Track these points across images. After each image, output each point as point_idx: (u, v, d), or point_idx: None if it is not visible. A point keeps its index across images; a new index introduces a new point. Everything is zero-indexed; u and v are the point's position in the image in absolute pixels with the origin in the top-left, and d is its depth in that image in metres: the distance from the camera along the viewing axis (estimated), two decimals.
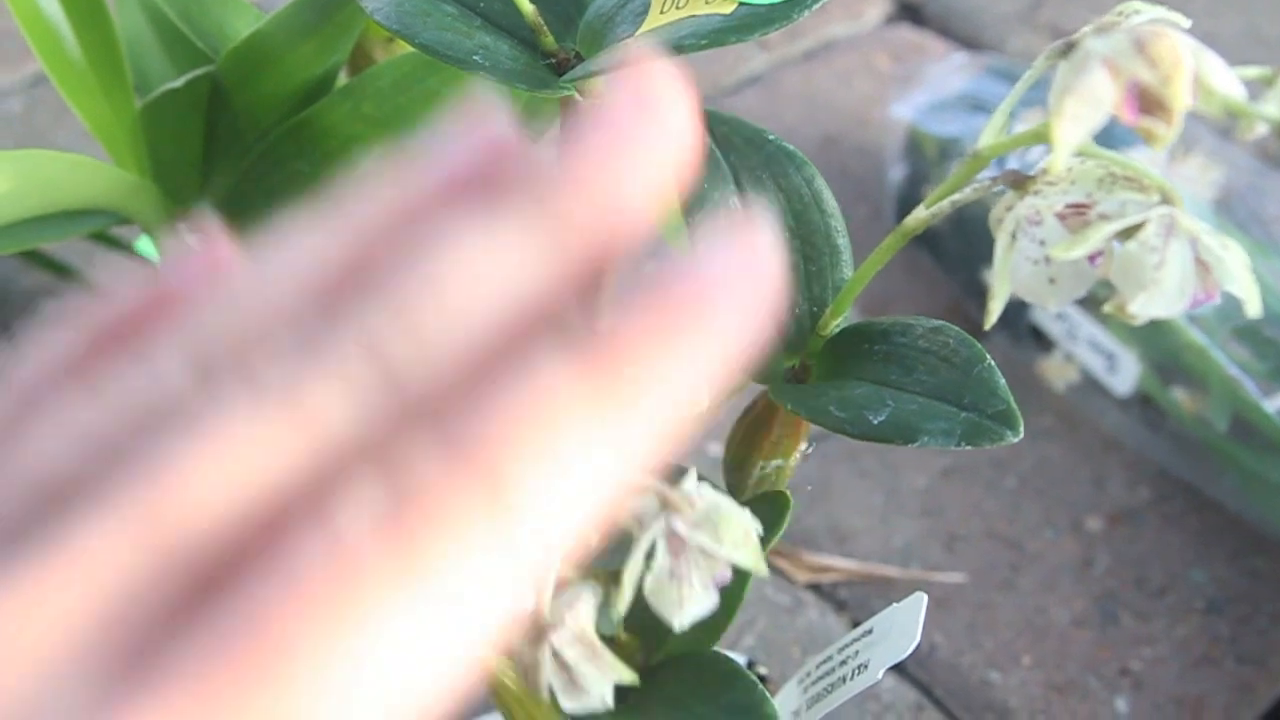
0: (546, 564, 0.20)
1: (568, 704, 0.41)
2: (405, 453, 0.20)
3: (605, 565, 0.45)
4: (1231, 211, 0.90)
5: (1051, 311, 0.92)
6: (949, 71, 1.05)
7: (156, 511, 0.19)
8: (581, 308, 0.22)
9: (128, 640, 0.19)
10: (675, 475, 0.47)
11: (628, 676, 0.41)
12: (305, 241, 0.22)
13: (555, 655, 0.40)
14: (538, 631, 0.40)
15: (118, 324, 0.22)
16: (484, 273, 0.21)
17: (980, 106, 1.01)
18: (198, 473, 0.20)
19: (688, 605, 0.39)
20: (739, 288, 0.22)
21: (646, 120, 0.23)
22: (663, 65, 0.23)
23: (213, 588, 0.19)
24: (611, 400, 0.21)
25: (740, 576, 0.49)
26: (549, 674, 0.40)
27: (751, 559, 0.39)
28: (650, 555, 0.39)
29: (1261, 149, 1.08)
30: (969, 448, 0.43)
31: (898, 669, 0.79)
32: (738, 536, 0.39)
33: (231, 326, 0.21)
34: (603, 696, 0.41)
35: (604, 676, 0.40)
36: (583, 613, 0.41)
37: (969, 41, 1.25)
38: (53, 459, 0.20)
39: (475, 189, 0.22)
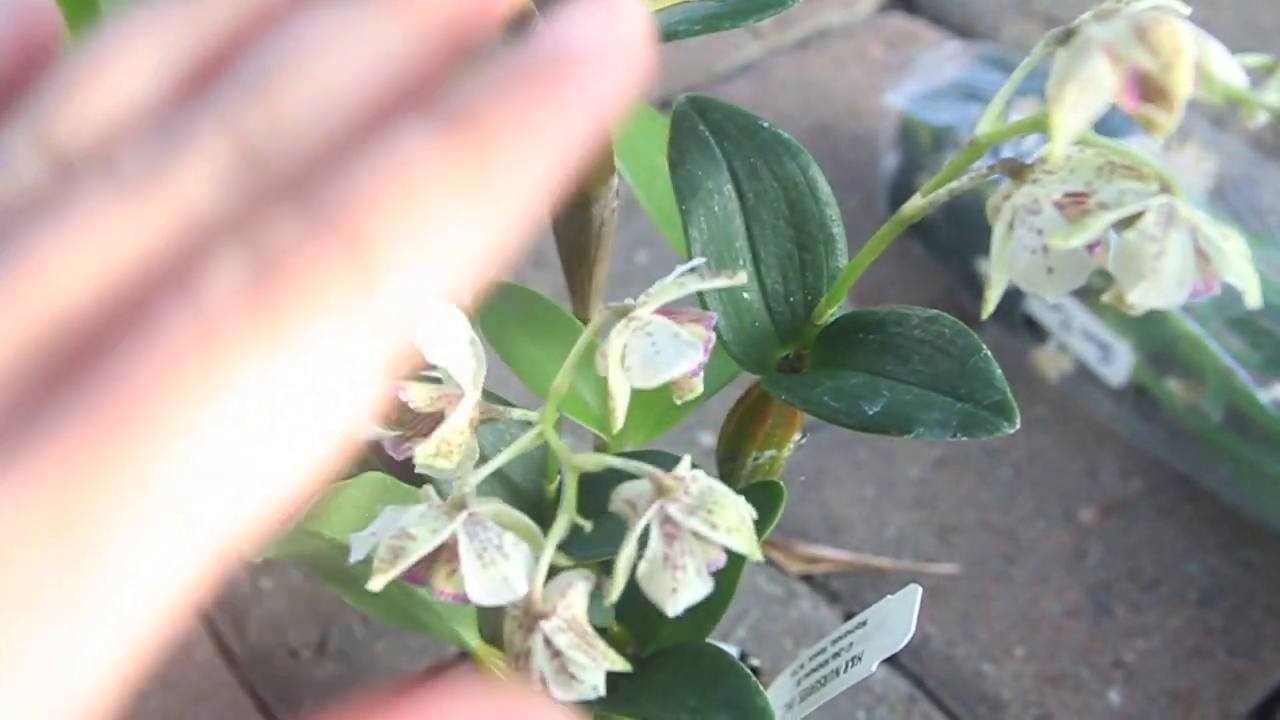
0: (406, 334, 0.20)
1: (559, 693, 0.40)
2: (269, 224, 0.19)
3: (598, 555, 0.44)
4: (1226, 202, 0.89)
5: (1046, 301, 0.92)
6: (942, 60, 1.05)
7: (15, 296, 0.19)
8: (444, 85, 0.21)
9: None
10: (670, 461, 0.47)
11: (620, 665, 0.40)
12: (155, 28, 0.22)
13: (547, 643, 0.40)
14: (530, 619, 0.40)
15: None
16: (343, 52, 0.21)
17: (974, 95, 1.00)
18: (57, 257, 0.19)
19: (682, 591, 0.39)
20: (598, 55, 0.21)
21: None
22: None
23: (77, 365, 0.19)
24: (474, 170, 0.20)
25: (733, 565, 0.49)
26: (540, 662, 0.40)
27: (747, 544, 0.39)
28: (643, 541, 0.39)
29: (1256, 139, 1.08)
30: (965, 439, 0.42)
31: (890, 660, 0.79)
32: (733, 521, 0.39)
33: (85, 117, 0.21)
34: (595, 686, 0.40)
35: (596, 665, 0.40)
36: (575, 600, 0.40)
37: (963, 29, 1.24)
38: None
39: None
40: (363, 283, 0.19)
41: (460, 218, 0.20)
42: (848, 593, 0.83)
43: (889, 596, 0.50)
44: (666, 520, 0.38)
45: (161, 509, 0.18)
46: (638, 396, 0.40)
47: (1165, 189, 0.37)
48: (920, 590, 0.49)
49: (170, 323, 0.19)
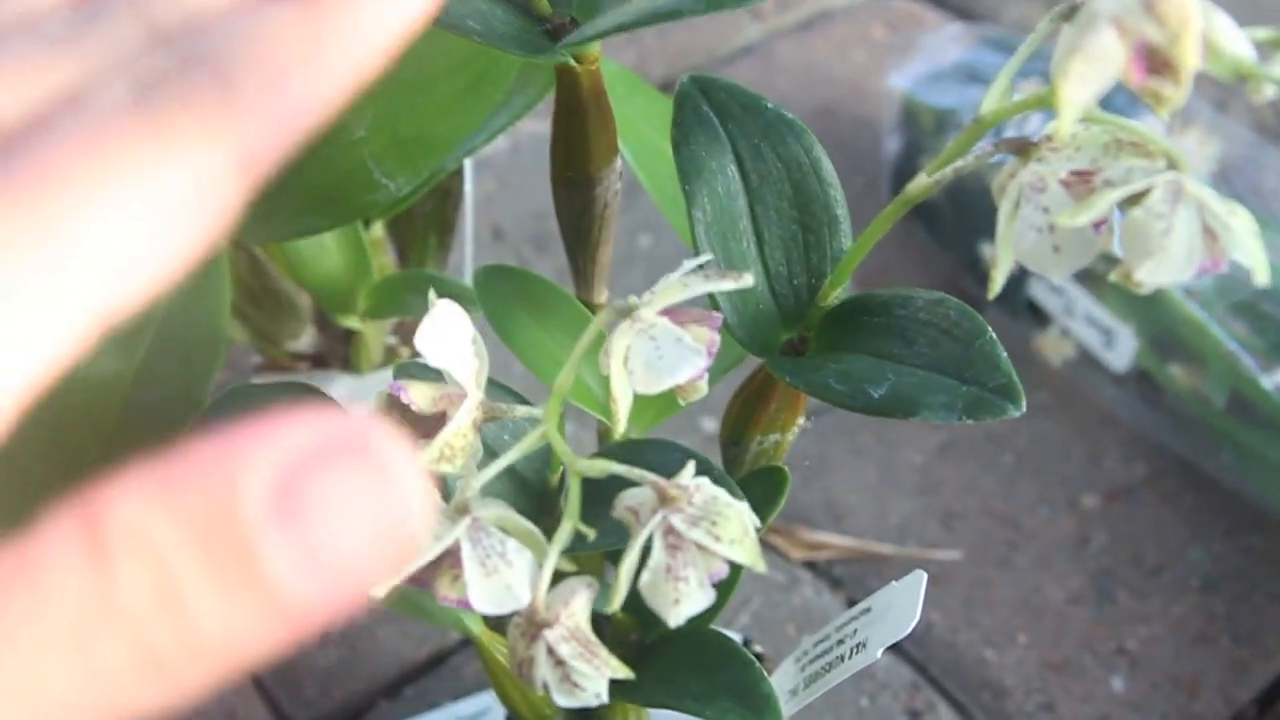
0: (263, 152, 0.24)
1: (562, 700, 0.40)
2: (153, 63, 0.24)
3: (599, 548, 0.44)
4: (1229, 185, 0.89)
5: (1048, 285, 0.91)
6: (945, 42, 1.04)
7: None
8: None
9: None
10: (674, 453, 0.46)
11: (622, 672, 0.40)
12: None
13: (550, 652, 0.39)
14: (533, 627, 0.39)
15: None
16: None
17: (976, 77, 1.00)
18: None
19: (684, 603, 0.38)
20: None
21: None
22: None
23: None
24: (319, 29, 0.24)
25: (735, 566, 0.48)
26: (544, 671, 0.39)
27: (749, 556, 0.38)
28: (646, 550, 0.38)
29: (1259, 123, 1.08)
30: (970, 421, 0.42)
31: (894, 647, 0.79)
32: (735, 533, 0.38)
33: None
34: (598, 694, 0.40)
35: (599, 674, 0.40)
36: (578, 609, 0.40)
37: (965, 11, 1.24)
38: None
39: None
40: (226, 100, 0.23)
41: (307, 67, 0.24)
42: (850, 579, 0.82)
43: (893, 583, 0.49)
44: (670, 531, 0.38)
45: (52, 267, 0.21)
46: None
47: (1172, 166, 0.37)
48: (924, 577, 0.48)
49: (66, 123, 0.23)
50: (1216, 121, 0.93)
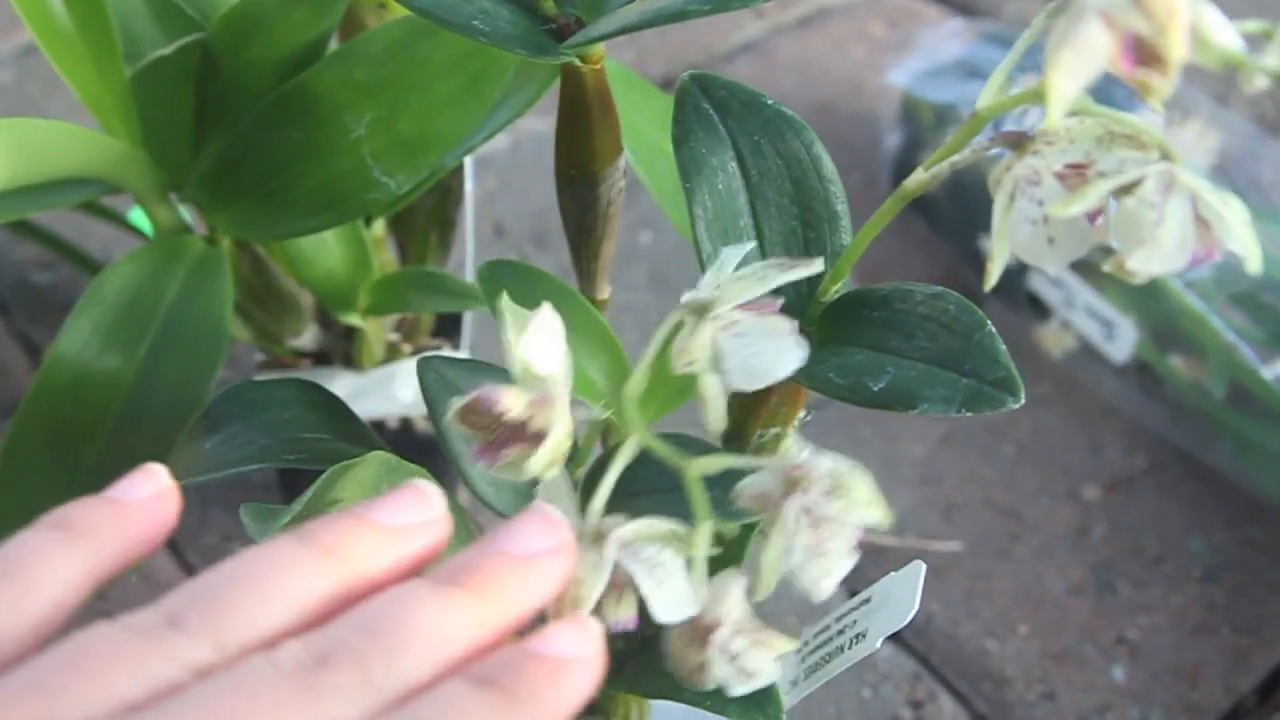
0: None
1: (738, 689, 0.39)
2: None
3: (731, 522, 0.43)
4: (1229, 177, 0.89)
5: (1049, 278, 0.92)
6: (944, 38, 1.05)
7: None
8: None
9: None
10: (698, 445, 0.46)
11: (790, 647, 0.39)
12: (298, 568, 0.33)
13: (724, 651, 0.39)
14: (701, 633, 0.39)
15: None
16: (436, 628, 0.33)
17: (975, 73, 1.00)
18: None
19: (834, 574, 0.38)
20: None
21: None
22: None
23: None
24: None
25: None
26: (720, 671, 0.39)
27: (882, 512, 0.38)
28: (788, 534, 0.38)
29: (1259, 115, 1.08)
30: (969, 414, 0.42)
31: (895, 638, 0.79)
32: (868, 495, 0.38)
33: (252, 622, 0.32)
34: (770, 674, 0.39)
35: (771, 654, 0.39)
36: (735, 603, 0.39)
37: (964, 7, 1.24)
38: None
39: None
40: None
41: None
42: (851, 570, 0.82)
43: (892, 574, 0.50)
44: (808, 511, 0.38)
45: None
46: (649, 377, 0.40)
47: (1165, 156, 0.37)
48: (924, 567, 0.49)
49: None
50: (1216, 114, 0.94)
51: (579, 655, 0.34)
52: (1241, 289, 0.84)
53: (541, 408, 0.39)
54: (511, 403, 0.39)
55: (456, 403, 0.40)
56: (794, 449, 0.39)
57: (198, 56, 0.62)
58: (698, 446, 0.44)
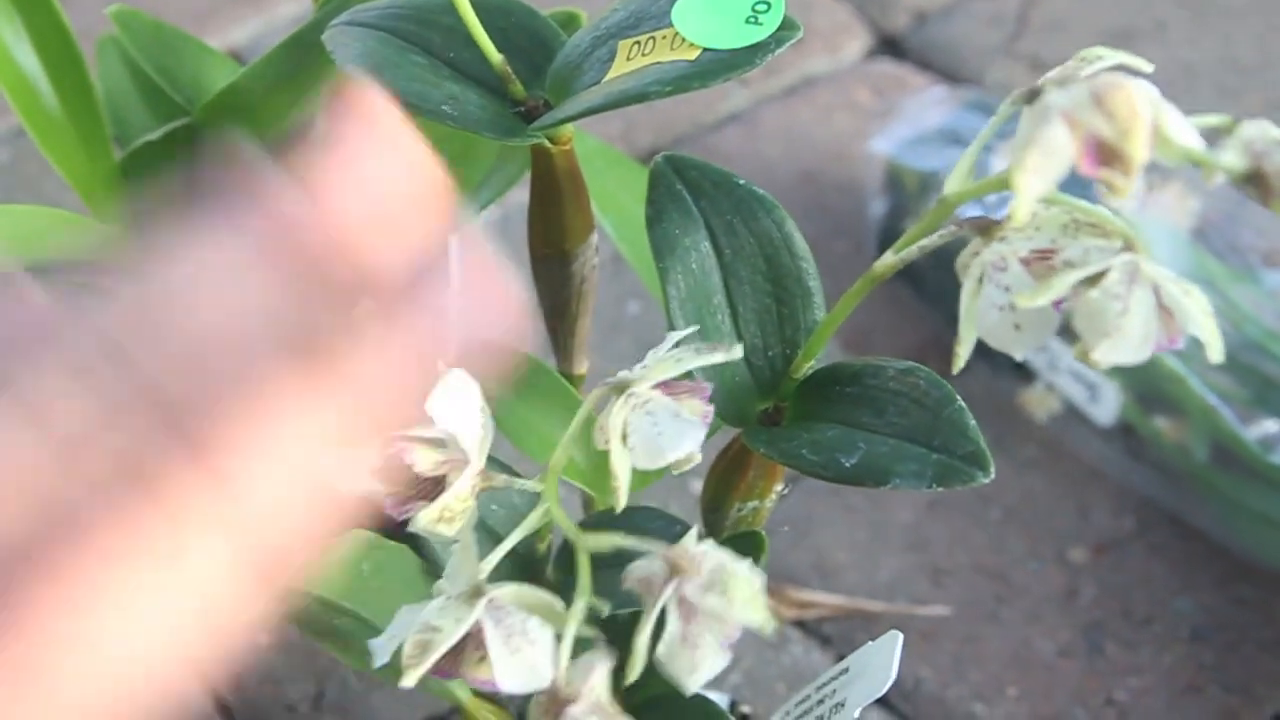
0: (272, 538, 0.25)
1: None
2: (147, 454, 0.24)
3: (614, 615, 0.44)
4: (1208, 240, 0.90)
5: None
6: (928, 105, 1.06)
7: None
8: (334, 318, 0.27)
9: None
10: (666, 521, 0.47)
11: None
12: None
13: None
14: (556, 704, 0.40)
15: None
16: (229, 299, 0.26)
17: (960, 140, 1.01)
18: None
19: (701, 669, 0.39)
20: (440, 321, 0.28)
21: (375, 155, 0.28)
22: (379, 101, 0.29)
23: None
24: (328, 401, 0.25)
25: None
26: None
27: (760, 616, 0.39)
28: (660, 621, 0.39)
29: None
30: (940, 489, 0.43)
31: (884, 704, 0.80)
32: (747, 595, 0.39)
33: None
34: None
35: None
36: (599, 682, 0.40)
37: (949, 74, 1.25)
38: None
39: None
40: (223, 501, 0.24)
41: (311, 444, 0.25)
42: (840, 637, 0.83)
43: (870, 643, 0.50)
44: (683, 601, 0.39)
45: (45, 690, 0.23)
46: None
47: (1128, 246, 0.38)
48: (900, 636, 0.49)
49: (55, 538, 0.24)
50: (1196, 177, 0.94)
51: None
52: (1224, 350, 0.85)
53: (456, 468, 0.42)
54: (421, 459, 0.42)
55: (379, 459, 0.43)
56: (693, 538, 0.39)
57: (186, 141, 0.64)
58: (660, 520, 0.45)
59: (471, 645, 0.40)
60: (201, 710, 0.79)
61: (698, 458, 0.43)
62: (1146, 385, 0.88)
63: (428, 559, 0.51)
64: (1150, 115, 0.34)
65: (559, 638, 0.40)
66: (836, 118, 1.20)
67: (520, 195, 1.02)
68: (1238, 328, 0.85)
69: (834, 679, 0.51)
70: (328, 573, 0.49)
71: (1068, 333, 0.89)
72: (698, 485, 0.89)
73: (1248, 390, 0.84)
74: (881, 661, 0.49)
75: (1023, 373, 0.94)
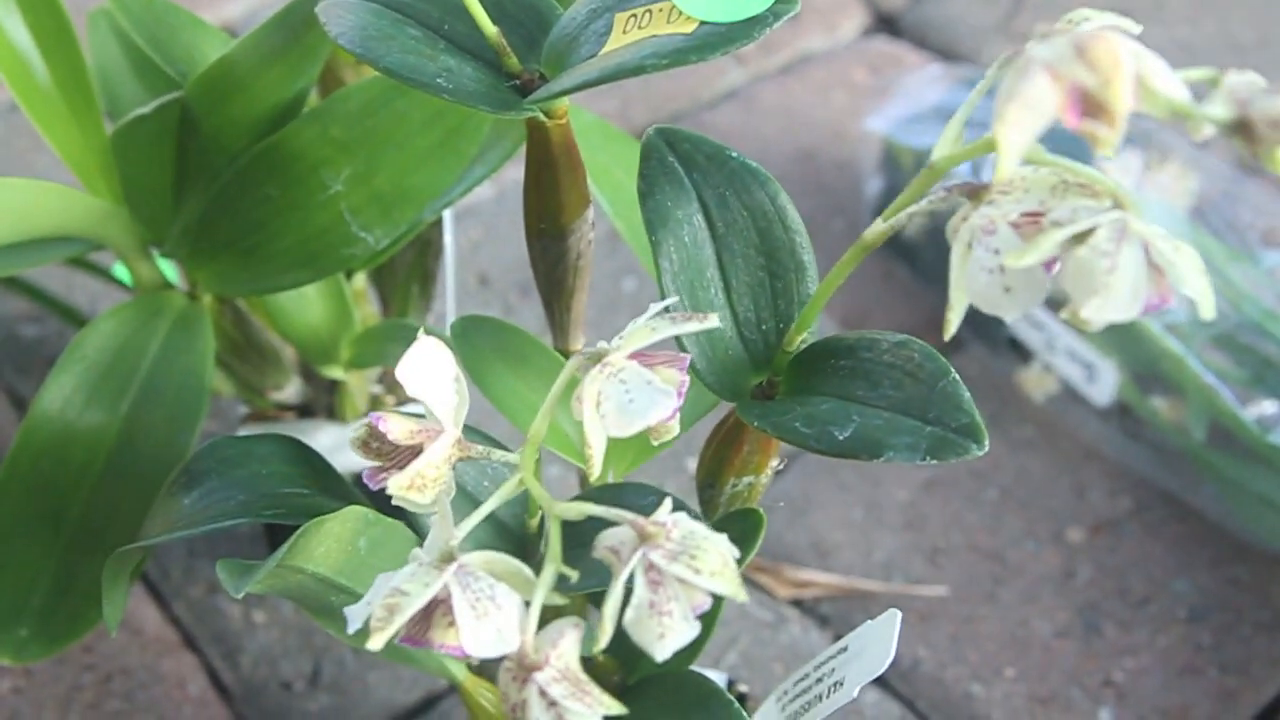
0: None
1: None
2: None
3: (584, 589, 0.44)
4: (1206, 219, 0.90)
5: (1030, 322, 0.92)
6: (924, 83, 1.05)
7: None
8: None
9: None
10: (651, 495, 0.47)
11: (615, 709, 0.40)
12: None
13: (542, 694, 0.40)
14: (523, 671, 0.40)
15: None
16: None
17: None
18: None
19: (669, 637, 0.39)
20: None
21: None
22: None
23: None
24: None
25: (715, 600, 0.49)
26: (537, 713, 0.40)
27: (730, 586, 0.39)
28: (629, 588, 0.39)
29: (1236, 157, 1.09)
30: (934, 462, 0.43)
31: (881, 683, 0.79)
32: (715, 565, 0.39)
33: None
34: None
35: (592, 712, 0.40)
36: (567, 649, 0.40)
37: (945, 52, 1.25)
38: None
39: None
40: None
41: None
42: (837, 616, 0.83)
43: (869, 622, 0.50)
44: (650, 567, 0.38)
45: None
46: None
47: (1118, 205, 0.38)
48: (899, 615, 0.49)
49: None
50: (1194, 156, 0.94)
51: None
52: (1221, 331, 0.85)
53: (431, 438, 0.42)
54: (396, 429, 0.42)
55: (357, 427, 0.43)
56: (666, 508, 0.39)
57: (177, 115, 0.63)
58: (652, 496, 0.45)
59: (440, 610, 0.40)
60: (198, 688, 0.78)
61: (675, 429, 0.43)
62: (1144, 365, 0.88)
63: (424, 536, 0.51)
64: (1133, 65, 0.34)
65: (529, 605, 0.40)
66: (833, 96, 1.19)
67: (515, 173, 1.02)
68: (1236, 307, 0.85)
69: (832, 658, 0.51)
70: (324, 548, 0.49)
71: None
72: (693, 464, 0.88)
73: (1246, 370, 0.84)
74: (880, 640, 0.49)
75: (1020, 353, 0.94)
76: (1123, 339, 0.88)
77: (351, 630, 0.41)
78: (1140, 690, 0.79)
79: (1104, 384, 0.89)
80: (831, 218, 1.06)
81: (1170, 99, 0.34)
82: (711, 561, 0.39)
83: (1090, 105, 0.34)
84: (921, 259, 1.00)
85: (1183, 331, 0.85)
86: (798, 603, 0.83)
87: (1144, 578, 0.85)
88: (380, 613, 0.39)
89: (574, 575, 0.40)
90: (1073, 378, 0.91)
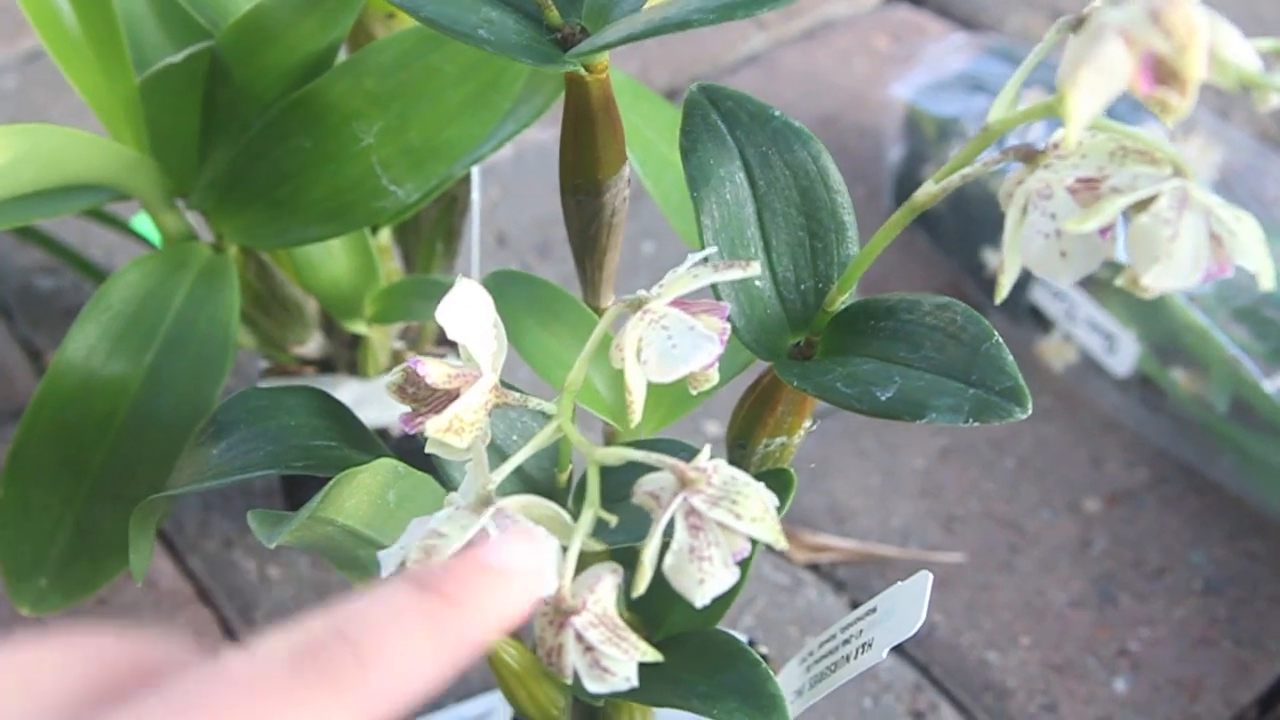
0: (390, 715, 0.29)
1: (593, 686, 0.40)
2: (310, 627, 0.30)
3: (618, 542, 0.44)
4: (1231, 192, 0.90)
5: (1051, 291, 0.92)
6: (947, 51, 1.05)
7: None
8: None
9: None
10: (685, 451, 0.47)
11: (652, 655, 0.40)
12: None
13: (579, 638, 0.39)
14: (560, 615, 0.39)
15: None
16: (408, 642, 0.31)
17: (979, 86, 1.01)
18: None
19: (709, 582, 0.38)
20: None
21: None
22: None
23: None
24: (438, 617, 0.31)
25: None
26: (573, 658, 0.40)
27: (771, 533, 0.38)
28: (668, 533, 0.39)
29: (1261, 131, 1.08)
30: (976, 424, 0.42)
31: (897, 648, 0.79)
32: (756, 510, 0.38)
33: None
34: (628, 678, 0.40)
35: (629, 658, 0.40)
36: (604, 594, 0.40)
37: (968, 21, 1.24)
38: None
39: None
40: (358, 671, 0.29)
41: (426, 649, 0.31)
42: (853, 581, 0.83)
43: (899, 583, 0.50)
44: (691, 512, 0.38)
45: None
46: (650, 386, 0.40)
47: (1178, 172, 0.37)
48: (930, 577, 0.49)
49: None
50: (1219, 129, 0.94)
51: (524, 567, 0.33)
52: (1244, 304, 0.85)
53: (469, 382, 0.41)
54: (434, 372, 0.42)
55: (394, 373, 0.42)
56: (705, 454, 0.39)
57: (207, 64, 0.63)
58: (682, 451, 0.44)
59: None
60: (213, 642, 0.78)
61: (715, 378, 0.42)
62: (1165, 336, 0.87)
63: (452, 489, 0.51)
64: (1208, 33, 0.33)
65: (566, 550, 0.39)
66: (855, 62, 1.19)
67: (534, 134, 1.02)
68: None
69: (860, 619, 0.51)
70: (354, 500, 0.48)
71: (1088, 282, 0.88)
72: (713, 428, 0.88)
73: (1268, 344, 0.84)
74: (910, 603, 0.49)
75: (1040, 322, 0.94)
76: (1144, 310, 0.88)
77: (385, 574, 0.41)
78: (1155, 661, 0.79)
79: (1124, 355, 0.89)
80: (853, 184, 1.05)
81: (1241, 68, 0.34)
82: (753, 507, 0.38)
83: (1163, 72, 0.33)
84: (942, 227, 0.99)
85: (1205, 303, 0.84)
86: (814, 567, 0.83)
87: (1160, 549, 0.85)
88: (417, 554, 0.39)
89: (613, 520, 0.40)
90: (1093, 348, 0.91)
